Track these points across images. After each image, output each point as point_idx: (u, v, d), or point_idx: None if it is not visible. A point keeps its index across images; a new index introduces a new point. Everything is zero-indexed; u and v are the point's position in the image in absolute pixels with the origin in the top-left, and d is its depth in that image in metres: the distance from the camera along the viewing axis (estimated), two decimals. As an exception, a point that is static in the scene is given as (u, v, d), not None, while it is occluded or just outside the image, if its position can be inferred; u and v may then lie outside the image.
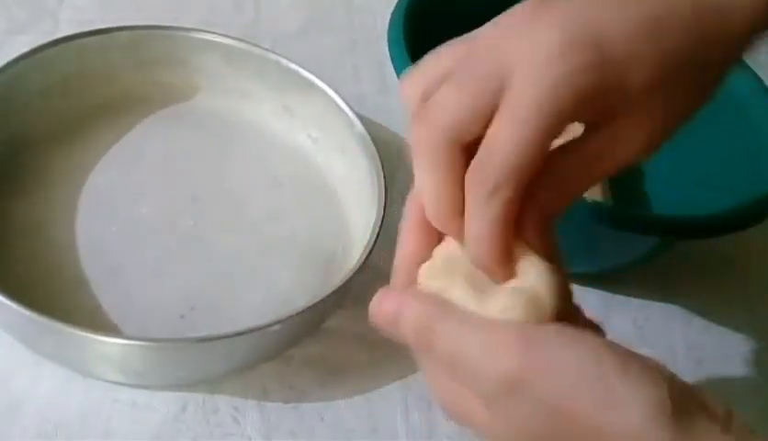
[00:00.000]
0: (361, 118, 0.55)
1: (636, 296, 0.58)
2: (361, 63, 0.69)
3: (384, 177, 0.51)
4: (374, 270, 0.51)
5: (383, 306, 0.33)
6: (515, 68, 0.31)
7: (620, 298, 0.57)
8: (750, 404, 0.54)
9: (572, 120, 0.32)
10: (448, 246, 0.34)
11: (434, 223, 0.33)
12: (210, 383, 0.47)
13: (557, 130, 0.31)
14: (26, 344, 0.45)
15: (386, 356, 0.49)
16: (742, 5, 0.33)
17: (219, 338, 0.42)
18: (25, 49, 0.53)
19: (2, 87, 0.51)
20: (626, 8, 0.32)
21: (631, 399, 0.28)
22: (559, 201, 0.33)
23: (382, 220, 0.49)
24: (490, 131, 0.31)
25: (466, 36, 0.35)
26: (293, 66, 0.57)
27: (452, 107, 0.32)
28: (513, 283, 0.32)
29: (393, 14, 0.54)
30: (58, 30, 0.64)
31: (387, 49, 0.52)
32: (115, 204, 0.52)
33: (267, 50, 0.58)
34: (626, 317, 0.57)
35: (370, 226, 0.49)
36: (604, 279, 0.57)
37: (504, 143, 0.31)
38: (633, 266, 0.56)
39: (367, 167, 0.53)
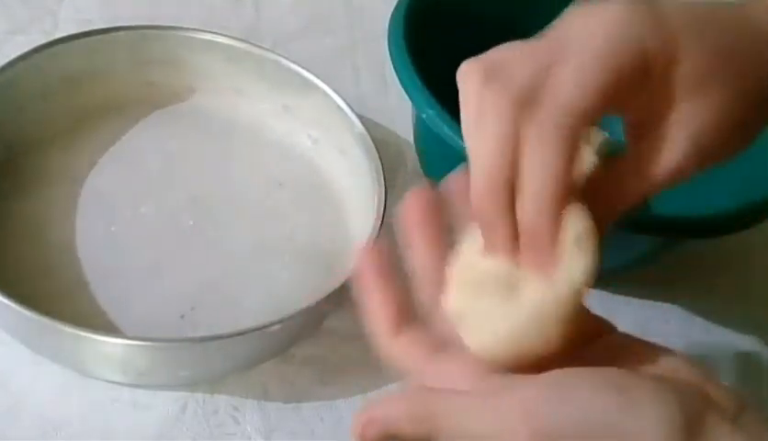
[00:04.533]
0: (361, 118, 0.55)
1: (636, 296, 0.58)
2: (361, 63, 0.69)
3: (384, 177, 0.51)
4: (374, 270, 0.51)
5: (369, 432, 0.31)
6: (580, 28, 0.32)
7: (620, 298, 0.57)
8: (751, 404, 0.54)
9: (625, 89, 0.32)
10: (462, 267, 0.33)
11: (483, 195, 0.32)
12: (210, 383, 0.47)
13: (615, 88, 0.31)
14: (26, 344, 0.45)
15: (386, 356, 0.49)
16: None
17: (219, 338, 0.42)
18: (25, 49, 0.52)
19: (2, 87, 0.51)
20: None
21: (641, 432, 0.28)
22: (606, 214, 0.33)
23: (382, 220, 0.49)
24: (550, 81, 0.31)
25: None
26: (293, 66, 0.57)
27: (518, 69, 0.32)
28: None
29: (393, 14, 0.54)
30: (58, 30, 0.64)
31: (387, 49, 0.52)
32: (114, 204, 0.52)
33: (267, 50, 0.58)
34: (626, 317, 0.56)
35: (370, 226, 0.49)
36: (604, 279, 0.57)
37: (568, 92, 0.31)
38: (633, 266, 0.56)
39: (367, 167, 0.53)
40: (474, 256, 0.33)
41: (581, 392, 0.29)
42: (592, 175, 0.34)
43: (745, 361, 0.56)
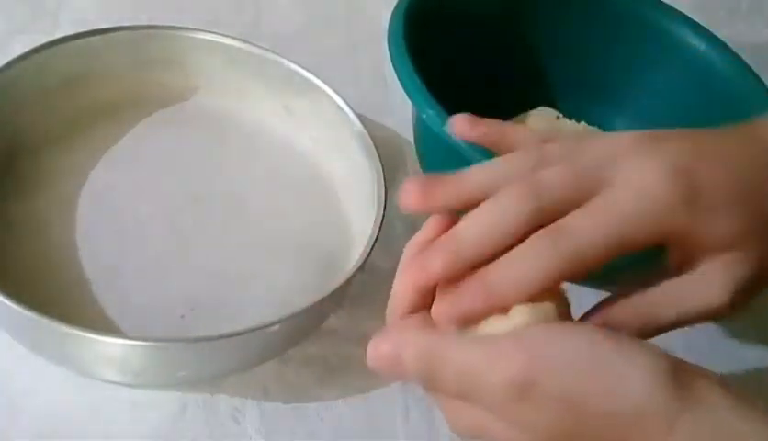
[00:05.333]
0: (361, 117, 0.55)
1: (636, 296, 0.58)
2: (361, 63, 0.69)
3: (384, 177, 0.51)
4: (374, 270, 0.51)
5: (381, 349, 0.34)
6: (616, 182, 0.33)
7: (620, 298, 0.57)
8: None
9: (638, 247, 0.33)
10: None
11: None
12: (210, 383, 0.47)
13: (627, 245, 0.33)
14: (26, 344, 0.45)
15: (386, 356, 0.49)
16: None
17: (219, 338, 0.42)
18: (25, 49, 0.52)
19: (2, 87, 0.51)
20: (726, 162, 0.34)
21: (630, 372, 0.29)
22: (641, 335, 0.35)
23: (382, 220, 0.49)
24: (569, 216, 0.33)
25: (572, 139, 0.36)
26: (293, 66, 0.57)
27: (559, 181, 0.33)
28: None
29: (393, 14, 0.54)
30: (58, 30, 0.64)
31: (387, 49, 0.52)
32: (115, 204, 0.52)
33: (267, 50, 0.58)
34: (626, 317, 0.56)
35: (370, 226, 0.49)
36: (604, 279, 0.57)
37: (584, 229, 0.32)
38: (633, 267, 0.56)
39: (367, 167, 0.53)
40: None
41: (575, 334, 0.31)
42: (624, 293, 0.36)
43: (745, 361, 0.56)
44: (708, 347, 0.56)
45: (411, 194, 0.35)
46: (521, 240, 0.33)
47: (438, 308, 0.34)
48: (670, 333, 0.53)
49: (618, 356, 0.30)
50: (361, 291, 0.51)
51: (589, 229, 0.32)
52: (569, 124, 0.61)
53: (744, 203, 0.34)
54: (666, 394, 0.29)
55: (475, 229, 0.33)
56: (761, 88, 0.57)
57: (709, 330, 0.57)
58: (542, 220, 0.33)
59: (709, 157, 0.34)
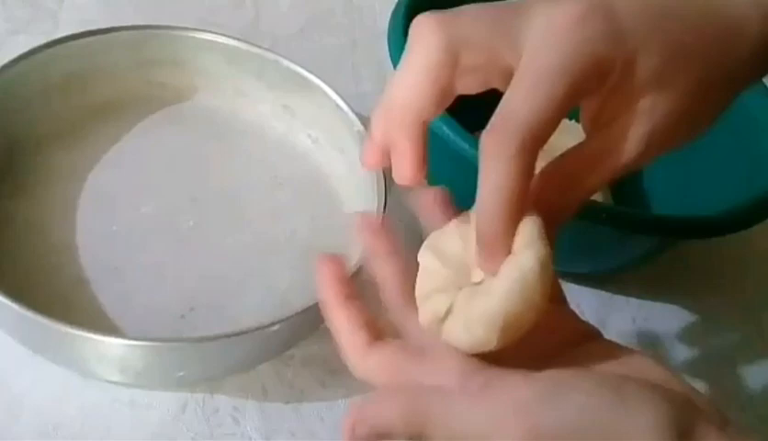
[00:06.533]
0: (361, 118, 0.55)
1: (635, 296, 0.58)
2: (361, 63, 0.69)
3: (384, 177, 0.51)
4: (374, 270, 0.51)
5: (359, 432, 0.32)
6: (532, 32, 0.32)
7: (620, 298, 0.57)
8: (750, 404, 0.54)
9: (581, 95, 0.32)
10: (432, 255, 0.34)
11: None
12: (210, 383, 0.47)
13: (570, 99, 0.31)
14: (26, 344, 0.45)
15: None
16: (750, 18, 0.33)
17: (219, 338, 0.42)
18: (25, 49, 0.52)
19: (2, 87, 0.51)
20: None
21: (634, 431, 0.28)
22: (565, 207, 0.34)
23: (382, 220, 0.49)
24: (505, 95, 0.31)
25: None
26: (293, 66, 0.57)
27: (470, 27, 0.32)
28: (505, 269, 0.31)
29: (393, 14, 0.54)
30: (58, 30, 0.64)
31: (387, 49, 0.52)
32: (115, 204, 0.52)
33: (267, 49, 0.58)
34: (625, 317, 0.56)
35: (370, 226, 0.49)
36: (604, 279, 0.57)
37: (520, 108, 0.31)
38: (633, 266, 0.56)
39: (367, 167, 0.53)
40: (434, 264, 0.33)
41: (575, 392, 0.29)
42: (545, 169, 0.34)
43: (745, 361, 0.56)
44: (708, 347, 0.56)
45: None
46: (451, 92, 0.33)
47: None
48: (669, 333, 0.53)
49: (623, 412, 0.28)
50: (361, 291, 0.51)
51: (524, 101, 0.31)
52: (568, 124, 0.61)
53: (663, 31, 0.32)
54: None
55: (398, 85, 0.33)
56: (760, 88, 0.57)
57: (710, 330, 0.57)
58: (456, 52, 0.32)
59: None
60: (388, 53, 0.51)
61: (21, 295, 0.41)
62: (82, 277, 0.49)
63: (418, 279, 0.34)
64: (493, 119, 0.31)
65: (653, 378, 0.31)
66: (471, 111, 0.47)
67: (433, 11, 0.33)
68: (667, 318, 0.57)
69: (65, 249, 0.50)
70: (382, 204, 0.50)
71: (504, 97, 0.31)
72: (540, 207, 0.32)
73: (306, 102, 0.57)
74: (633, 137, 0.33)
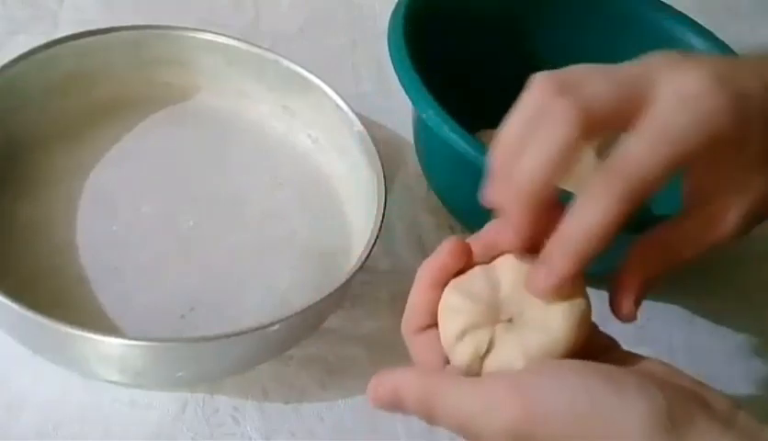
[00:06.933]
0: (361, 118, 0.55)
1: (636, 296, 0.58)
2: (361, 63, 0.69)
3: (384, 177, 0.51)
4: (374, 270, 0.51)
5: (380, 392, 0.34)
6: (661, 95, 0.33)
7: (620, 298, 0.57)
8: (750, 404, 0.53)
9: (694, 161, 0.33)
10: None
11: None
12: (210, 383, 0.47)
13: (685, 162, 0.32)
14: (26, 344, 0.45)
15: (386, 356, 0.49)
16: None
17: (219, 338, 0.42)
18: (25, 49, 0.52)
19: (2, 87, 0.51)
20: (760, 74, 0.34)
21: (627, 418, 0.29)
22: (661, 274, 0.36)
23: (382, 220, 0.49)
24: (627, 143, 0.32)
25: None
26: (293, 66, 0.57)
27: (599, 91, 0.33)
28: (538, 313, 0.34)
29: (393, 14, 0.54)
30: (58, 30, 0.64)
31: (387, 49, 0.52)
32: (115, 204, 0.52)
33: (267, 50, 0.58)
34: (626, 317, 0.56)
35: (370, 226, 0.49)
36: (604, 279, 0.57)
37: (641, 157, 0.32)
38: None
39: (367, 167, 0.53)
40: (465, 303, 0.35)
41: (571, 377, 0.30)
42: (645, 238, 0.36)
43: (746, 361, 0.56)
44: (708, 347, 0.56)
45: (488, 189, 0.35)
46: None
47: (536, 281, 0.34)
48: (670, 333, 0.53)
49: (616, 400, 0.29)
50: (361, 291, 0.51)
51: (645, 152, 0.32)
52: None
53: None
54: (664, 439, 0.29)
55: (532, 160, 0.33)
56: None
57: (710, 330, 0.57)
58: (591, 129, 0.32)
59: (743, 69, 0.34)
60: (388, 53, 0.51)
61: (21, 295, 0.41)
62: (82, 276, 0.49)
63: (446, 319, 0.35)
64: (611, 161, 0.32)
65: (660, 375, 0.31)
66: (471, 111, 0.48)
67: (551, 72, 0.34)
68: (667, 318, 0.57)
69: (65, 249, 0.50)
70: (382, 205, 0.50)
71: (626, 144, 0.32)
72: (638, 273, 0.35)
73: (306, 102, 0.57)
74: (733, 215, 0.35)
